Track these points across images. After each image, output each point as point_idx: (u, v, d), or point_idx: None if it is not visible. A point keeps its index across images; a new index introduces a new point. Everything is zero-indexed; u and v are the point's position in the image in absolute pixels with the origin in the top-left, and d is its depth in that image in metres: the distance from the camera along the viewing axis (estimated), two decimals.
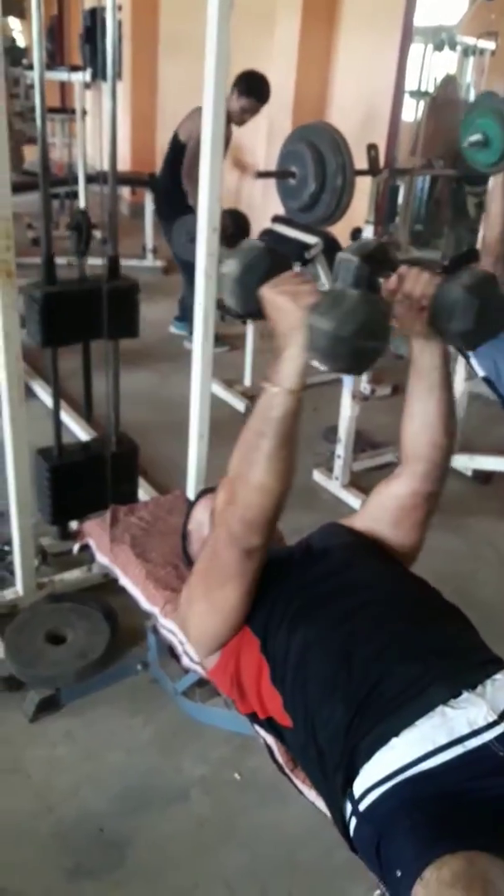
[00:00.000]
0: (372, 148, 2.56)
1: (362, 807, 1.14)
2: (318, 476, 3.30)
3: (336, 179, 2.37)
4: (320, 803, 1.35)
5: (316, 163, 2.38)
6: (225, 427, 3.20)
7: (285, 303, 1.23)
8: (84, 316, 2.33)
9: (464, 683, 1.18)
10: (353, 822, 1.17)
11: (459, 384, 3.39)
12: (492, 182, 2.49)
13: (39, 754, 2.01)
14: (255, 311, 1.30)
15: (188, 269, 4.36)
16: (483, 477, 3.33)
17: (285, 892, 1.75)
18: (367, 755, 1.16)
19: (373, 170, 2.58)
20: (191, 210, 3.86)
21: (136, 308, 2.44)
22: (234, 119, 4.10)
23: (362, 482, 3.23)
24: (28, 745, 2.03)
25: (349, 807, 1.18)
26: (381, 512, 1.53)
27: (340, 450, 3.13)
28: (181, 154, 4.17)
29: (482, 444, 3.50)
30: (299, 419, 1.24)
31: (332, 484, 3.20)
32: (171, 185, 4.28)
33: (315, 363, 1.26)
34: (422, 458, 1.44)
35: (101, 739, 2.07)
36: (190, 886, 1.73)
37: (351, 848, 1.21)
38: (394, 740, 1.14)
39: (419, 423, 1.43)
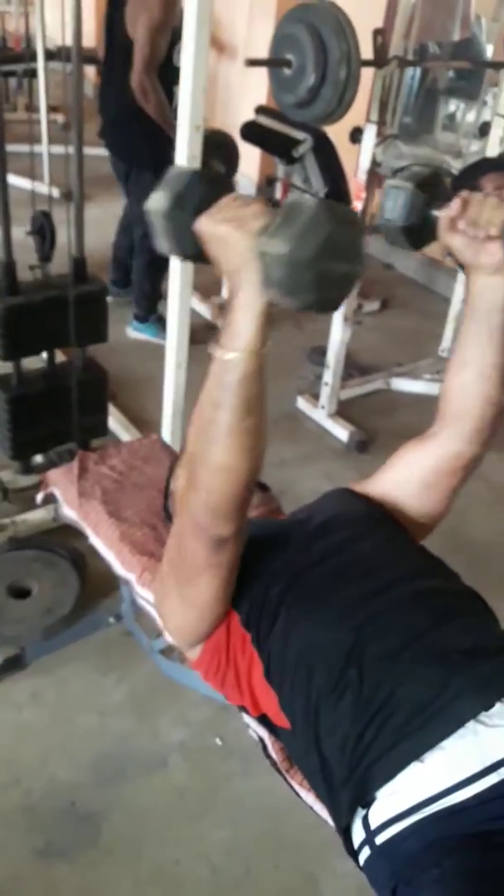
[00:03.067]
0: (379, 33, 2.20)
1: (379, 840, 1.00)
2: (302, 403, 3.08)
3: (339, 70, 2.03)
4: (320, 808, 1.21)
5: (316, 50, 2.03)
6: (200, 347, 2.97)
7: (228, 232, 0.96)
8: (49, 324, 2.17)
9: (496, 692, 1.02)
10: (366, 851, 1.03)
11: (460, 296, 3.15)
12: None
13: (3, 719, 1.86)
14: (194, 252, 1.04)
15: (145, 244, 3.20)
16: None
17: (271, 866, 1.65)
18: (385, 778, 1.01)
19: (379, 60, 2.24)
20: (159, 146, 2.63)
21: (105, 313, 2.27)
22: None
23: (350, 411, 3.02)
24: None
25: (362, 833, 1.04)
26: (410, 475, 1.32)
27: (328, 376, 2.90)
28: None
29: None
30: (264, 378, 0.99)
31: (318, 413, 2.99)
32: (129, 106, 3.01)
33: (276, 303, 0.98)
34: (471, 416, 1.23)
35: (71, 701, 1.92)
36: (170, 864, 1.63)
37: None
38: (417, 765, 0.99)
39: (473, 373, 1.21)
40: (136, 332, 3.50)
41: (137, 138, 3.07)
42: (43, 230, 2.12)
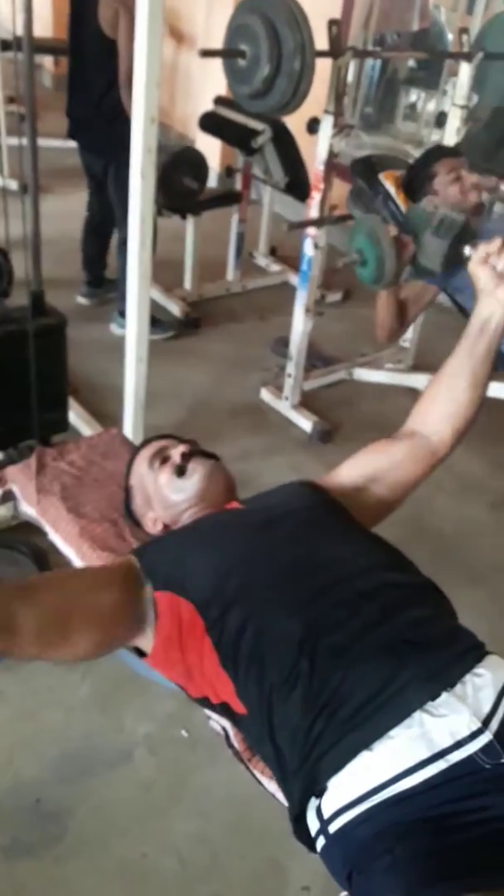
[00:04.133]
0: (334, 24, 2.20)
1: (332, 829, 1.02)
2: (265, 395, 3.08)
3: (293, 61, 2.02)
4: (281, 796, 1.22)
5: (270, 41, 2.02)
6: (159, 342, 2.93)
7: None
8: (9, 358, 2.14)
9: (442, 682, 1.04)
10: (321, 840, 1.05)
11: None
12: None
13: None
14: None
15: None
16: None
17: (238, 857, 1.66)
18: (335, 768, 1.02)
19: (334, 50, 2.24)
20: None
21: (64, 344, 2.26)
22: None
23: (313, 402, 3.03)
24: None
25: (316, 823, 1.05)
26: (383, 470, 1.41)
27: (291, 368, 2.90)
28: (112, 54, 2.89)
29: (439, 359, 3.32)
30: None
31: (282, 404, 2.99)
32: (111, 104, 2.98)
33: None
34: (458, 418, 1.39)
35: (37, 698, 1.91)
36: (137, 857, 1.63)
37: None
38: (366, 754, 1.01)
39: (465, 381, 1.37)
40: (120, 329, 3.37)
41: (120, 133, 3.01)
42: (0, 269, 2.10)
